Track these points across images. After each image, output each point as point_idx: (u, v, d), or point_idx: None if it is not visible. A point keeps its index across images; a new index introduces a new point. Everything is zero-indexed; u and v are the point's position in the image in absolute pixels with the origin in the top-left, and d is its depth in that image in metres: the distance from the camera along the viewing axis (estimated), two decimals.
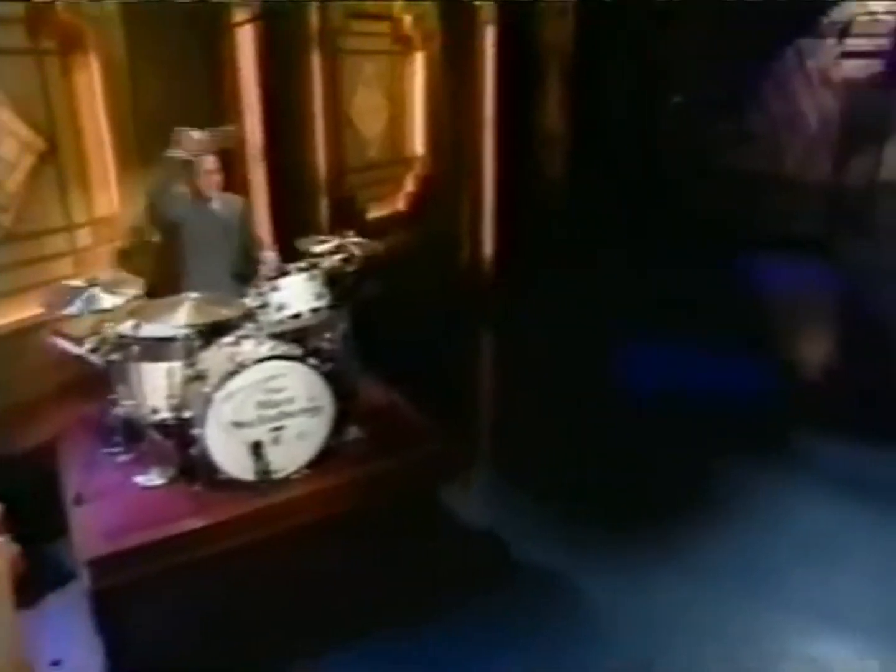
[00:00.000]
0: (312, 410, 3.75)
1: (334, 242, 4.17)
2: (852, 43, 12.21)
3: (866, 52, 12.12)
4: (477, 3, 7.28)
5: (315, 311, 3.87)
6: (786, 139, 12.94)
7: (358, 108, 6.47)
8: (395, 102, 6.91)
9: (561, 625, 3.89)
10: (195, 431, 3.56)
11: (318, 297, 3.88)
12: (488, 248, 8.02)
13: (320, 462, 3.82)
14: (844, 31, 12.23)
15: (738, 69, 12.14)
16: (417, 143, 7.19)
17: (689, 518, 4.82)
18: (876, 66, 12.18)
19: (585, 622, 3.96)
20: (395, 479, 3.98)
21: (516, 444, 5.62)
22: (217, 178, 4.26)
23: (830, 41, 12.40)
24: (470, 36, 7.39)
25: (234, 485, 3.63)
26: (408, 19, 6.80)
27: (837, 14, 12.25)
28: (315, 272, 3.92)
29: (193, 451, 3.61)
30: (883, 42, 11.99)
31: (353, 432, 4.05)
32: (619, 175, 9.02)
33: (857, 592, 4.25)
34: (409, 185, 7.17)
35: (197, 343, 3.67)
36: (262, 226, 5.27)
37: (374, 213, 6.71)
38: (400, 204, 7.11)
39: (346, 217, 6.08)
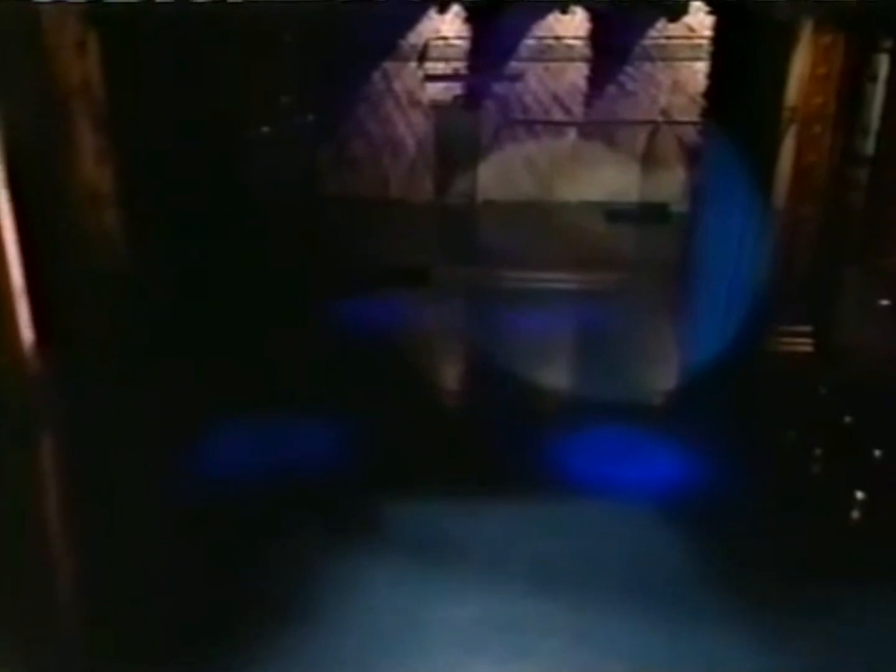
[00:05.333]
0: None
1: None
2: (432, 66, 12.52)
3: (446, 76, 12.52)
4: None
5: None
6: (387, 163, 12.97)
7: None
8: None
9: None
10: None
11: None
12: (26, 339, 6.46)
13: None
14: (422, 54, 12.49)
15: (328, 96, 11.76)
16: None
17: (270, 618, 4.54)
18: (457, 88, 12.65)
19: None
20: None
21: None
22: None
23: (412, 64, 12.59)
24: None
25: None
26: None
27: (414, 37, 12.45)
28: None
29: None
30: (458, 65, 12.47)
31: None
32: (192, 223, 7.93)
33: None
34: None
35: None
36: None
37: None
38: None
39: None
